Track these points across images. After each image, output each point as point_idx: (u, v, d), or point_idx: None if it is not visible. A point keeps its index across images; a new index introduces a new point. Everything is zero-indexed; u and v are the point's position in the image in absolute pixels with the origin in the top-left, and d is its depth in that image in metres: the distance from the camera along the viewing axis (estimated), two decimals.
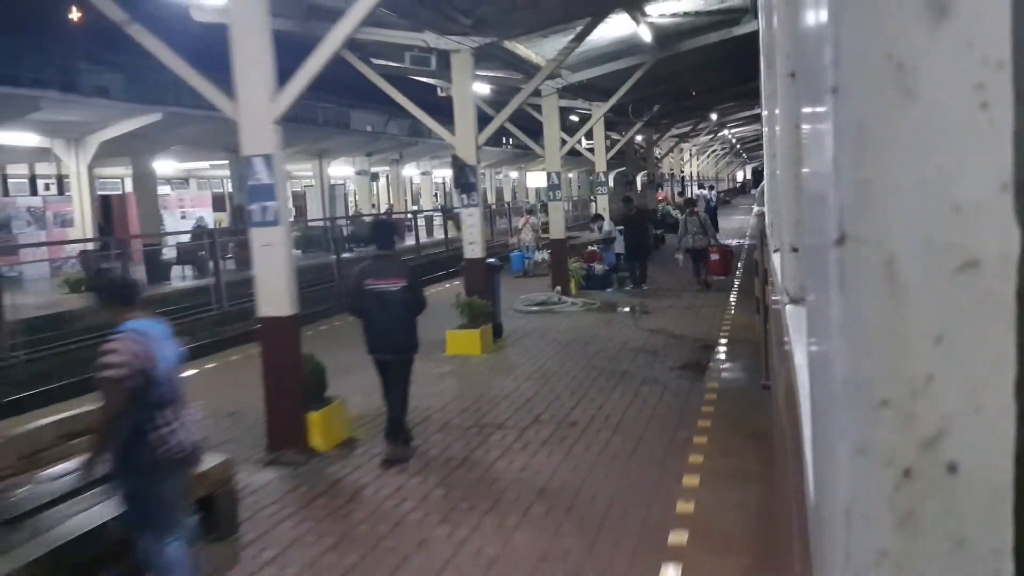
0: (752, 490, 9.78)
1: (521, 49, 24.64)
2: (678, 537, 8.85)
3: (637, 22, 23.53)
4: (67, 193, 43.85)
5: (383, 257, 12.59)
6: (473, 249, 21.00)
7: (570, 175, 78.18)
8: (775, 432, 5.64)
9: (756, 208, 32.08)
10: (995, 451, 0.98)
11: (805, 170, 1.45)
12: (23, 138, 35.48)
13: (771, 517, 8.11)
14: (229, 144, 44.27)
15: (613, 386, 15.36)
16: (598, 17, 21.83)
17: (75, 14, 52.82)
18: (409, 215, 54.54)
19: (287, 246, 12.78)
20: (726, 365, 16.51)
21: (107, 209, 44.73)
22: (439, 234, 51.47)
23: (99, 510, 7.88)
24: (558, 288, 27.20)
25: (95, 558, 7.59)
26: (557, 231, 29.61)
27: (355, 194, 68.81)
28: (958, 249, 0.96)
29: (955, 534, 0.99)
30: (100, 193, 44.05)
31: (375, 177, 67.43)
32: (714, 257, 29.16)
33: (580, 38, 22.77)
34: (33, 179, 47.54)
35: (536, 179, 71.00)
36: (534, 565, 8.41)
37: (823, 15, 1.02)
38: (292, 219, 49.20)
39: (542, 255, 32.90)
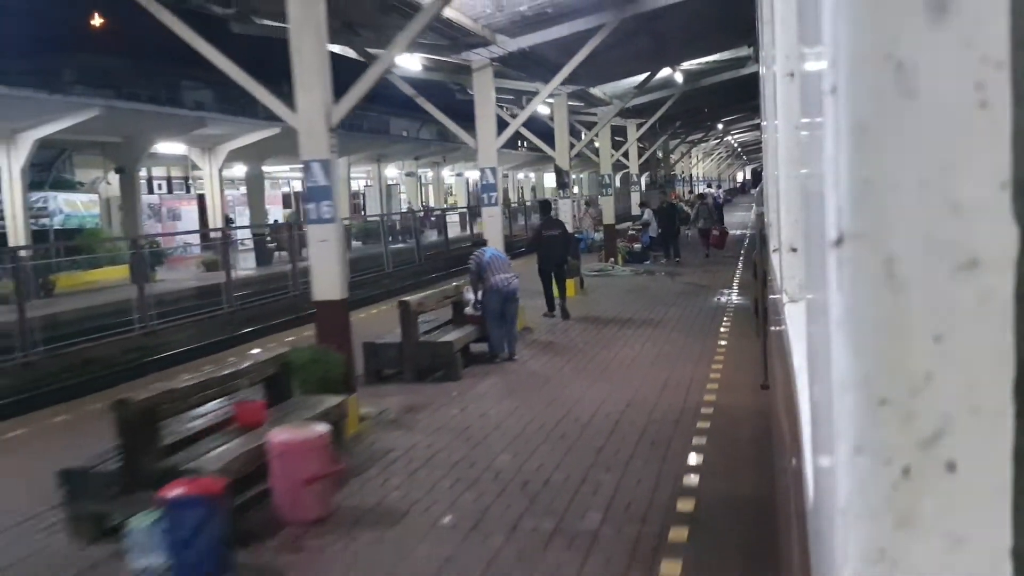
0: (749, 342, 14.19)
1: (593, 88, 29.12)
2: (719, 356, 14.38)
3: (673, 70, 28.38)
4: (175, 192, 44.31)
5: (549, 218, 20.11)
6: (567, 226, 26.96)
7: (582, 175, 76.42)
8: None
9: (756, 208, 33.57)
10: (994, 450, 0.83)
11: (804, 170, 1.26)
12: (174, 147, 36.78)
13: (755, 356, 12.27)
14: None
15: (668, 308, 20.32)
16: (654, 72, 27.14)
17: (98, 20, 50.58)
18: (439, 212, 53.11)
19: (500, 217, 20.29)
20: (737, 298, 21.18)
21: (203, 206, 42.52)
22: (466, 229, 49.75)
23: (459, 331, 14.56)
24: (611, 259, 30.65)
25: (457, 349, 13.80)
26: (608, 219, 33.29)
27: (405, 193, 67.38)
28: (957, 248, 0.82)
29: (954, 533, 0.85)
30: (198, 192, 42.94)
31: (410, 175, 66.34)
32: (715, 234, 33.72)
33: (642, 86, 28.23)
34: (150, 180, 47.22)
35: (552, 179, 70.08)
36: (655, 357, 14.55)
37: (822, 15, 0.88)
38: (350, 215, 47.57)
39: (598, 236, 34.35)
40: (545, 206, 21.18)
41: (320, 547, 7.15)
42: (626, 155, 39.33)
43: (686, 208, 42.37)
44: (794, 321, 2.49)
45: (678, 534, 7.01)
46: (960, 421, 0.82)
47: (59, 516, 7.69)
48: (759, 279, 9.64)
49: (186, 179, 45.81)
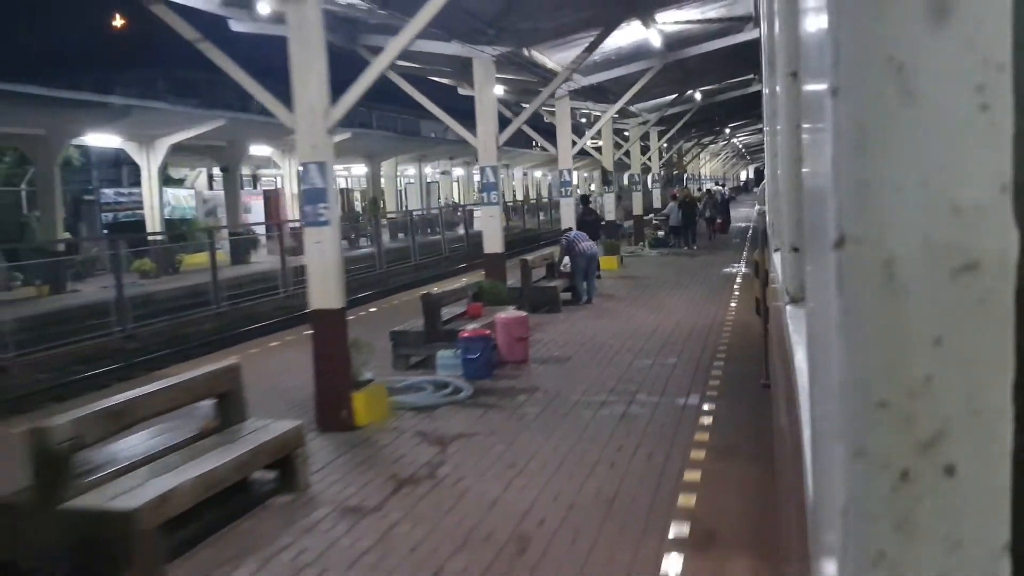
0: (751, 294, 14.22)
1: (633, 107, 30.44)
2: (734, 301, 16.46)
3: (694, 91, 29.33)
4: (245, 188, 40.91)
5: (587, 208, 22.01)
6: (610, 216, 28.92)
7: (594, 173, 70.43)
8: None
9: (758, 206, 33.78)
10: (993, 453, 0.65)
11: (805, 170, 1.07)
12: (263, 150, 35.49)
13: (753, 308, 12.83)
14: (368, 152, 43.10)
15: (692, 275, 21.55)
16: (681, 94, 28.72)
17: (119, 21, 48.50)
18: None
19: (574, 208, 21.82)
20: (743, 270, 22.00)
21: (267, 201, 39.15)
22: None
23: (556, 281, 17.02)
24: (641, 243, 30.33)
25: (559, 292, 16.55)
26: (637, 210, 33.57)
27: (439, 189, 61.94)
28: (957, 250, 0.64)
29: (952, 536, 0.66)
30: (264, 189, 40.87)
31: (444, 174, 60.29)
32: (719, 222, 35.20)
33: (671, 104, 30.03)
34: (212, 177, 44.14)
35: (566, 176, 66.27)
36: (689, 301, 16.75)
37: (824, 16, 0.69)
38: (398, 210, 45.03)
39: (628, 225, 33.86)
40: (584, 199, 23.67)
41: (531, 370, 11.16)
42: (648, 158, 39.52)
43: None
44: (795, 321, 2.15)
45: (719, 362, 11.15)
46: (959, 424, 0.65)
47: (378, 362, 10.14)
48: (761, 278, 8.94)
49: (254, 177, 42.38)
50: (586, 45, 16.27)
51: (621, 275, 22.03)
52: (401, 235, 36.46)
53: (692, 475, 6.77)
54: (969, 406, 0.65)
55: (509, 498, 6.53)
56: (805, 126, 1.05)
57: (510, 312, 12.23)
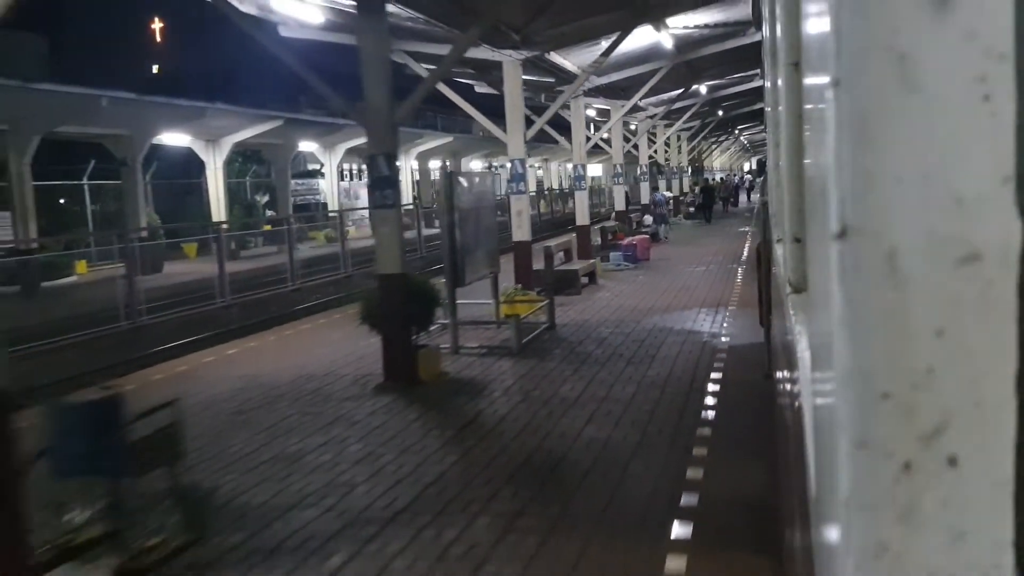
0: (756, 241, 18.01)
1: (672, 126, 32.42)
2: (746, 244, 20.64)
3: (718, 108, 32.67)
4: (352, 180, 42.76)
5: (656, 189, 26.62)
6: (665, 195, 31.97)
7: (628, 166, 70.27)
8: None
9: (760, 197, 35.27)
10: (995, 444, 0.59)
11: (807, 161, 0.99)
12: None
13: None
14: (452, 150, 45.58)
15: (718, 234, 26.89)
16: (708, 117, 33.60)
17: (157, 24, 45.16)
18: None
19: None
20: (751, 230, 26.18)
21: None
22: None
23: (648, 229, 23.95)
24: (678, 216, 34.60)
25: (648, 235, 22.00)
26: (675, 192, 38.08)
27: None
28: (959, 242, 0.58)
29: (955, 527, 0.59)
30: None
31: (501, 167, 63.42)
32: (732, 200, 42.21)
33: (697, 117, 33.31)
34: (340, 170, 45.85)
35: (591, 170, 66.66)
36: (719, 245, 22.35)
37: (825, 6, 0.62)
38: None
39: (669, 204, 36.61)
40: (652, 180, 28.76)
41: (653, 263, 19.08)
42: (680, 154, 43.55)
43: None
44: (797, 312, 1.94)
45: (744, 256, 18.31)
46: (961, 415, 0.58)
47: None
48: (763, 268, 8.35)
49: (362, 170, 42.56)
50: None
51: (673, 233, 27.91)
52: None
53: (737, 280, 14.91)
54: (971, 397, 0.58)
55: (676, 282, 15.41)
56: (807, 117, 0.99)
57: (641, 236, 20.12)
